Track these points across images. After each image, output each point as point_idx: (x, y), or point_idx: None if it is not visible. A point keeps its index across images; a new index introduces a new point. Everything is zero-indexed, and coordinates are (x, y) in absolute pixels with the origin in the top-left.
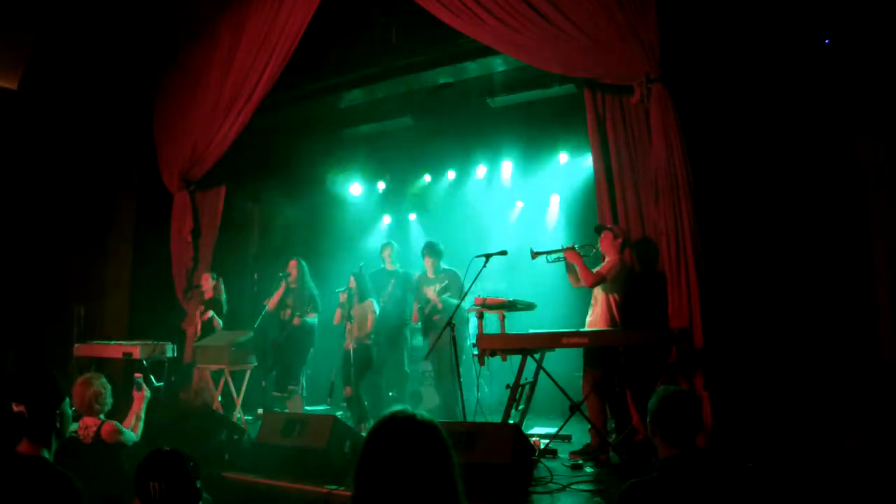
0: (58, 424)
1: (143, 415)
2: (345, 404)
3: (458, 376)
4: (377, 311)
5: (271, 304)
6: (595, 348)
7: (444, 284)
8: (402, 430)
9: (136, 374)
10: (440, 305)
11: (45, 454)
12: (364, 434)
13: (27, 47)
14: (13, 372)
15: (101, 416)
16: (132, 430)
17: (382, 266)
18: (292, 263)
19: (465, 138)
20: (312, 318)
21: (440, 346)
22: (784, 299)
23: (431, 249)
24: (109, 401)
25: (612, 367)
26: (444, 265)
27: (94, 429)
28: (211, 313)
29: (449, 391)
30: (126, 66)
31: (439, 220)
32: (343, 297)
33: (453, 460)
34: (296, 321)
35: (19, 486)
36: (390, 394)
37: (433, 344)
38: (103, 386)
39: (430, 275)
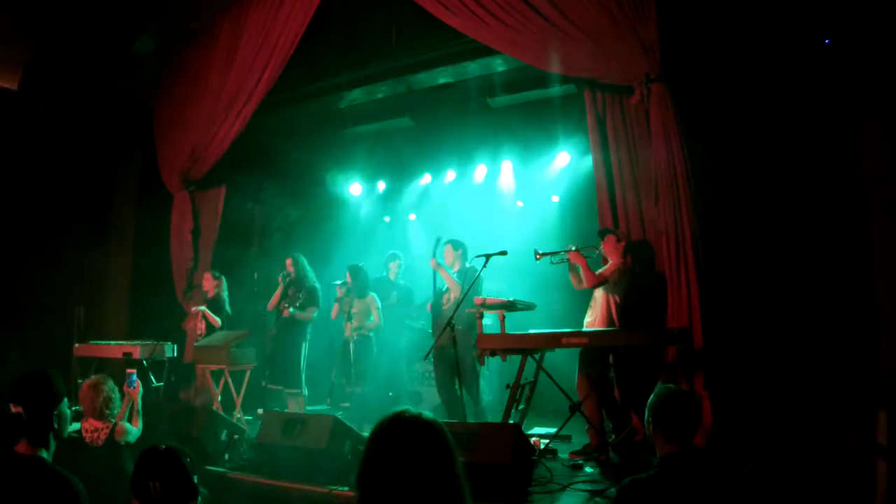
0: (56, 425)
1: (139, 408)
2: (347, 404)
3: (458, 377)
4: (380, 306)
5: (271, 305)
6: (591, 349)
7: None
8: (406, 430)
9: (129, 370)
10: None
11: (44, 454)
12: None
13: (27, 47)
14: (15, 373)
15: (111, 420)
16: (132, 423)
17: (385, 275)
18: (289, 262)
19: (465, 138)
20: (309, 314)
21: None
22: (784, 299)
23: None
24: (118, 404)
25: (609, 368)
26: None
27: (106, 432)
28: (202, 308)
29: (451, 393)
30: (126, 66)
31: (439, 221)
32: (340, 292)
33: (458, 460)
34: (285, 313)
35: (16, 486)
36: (389, 393)
37: (434, 345)
38: (112, 390)
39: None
